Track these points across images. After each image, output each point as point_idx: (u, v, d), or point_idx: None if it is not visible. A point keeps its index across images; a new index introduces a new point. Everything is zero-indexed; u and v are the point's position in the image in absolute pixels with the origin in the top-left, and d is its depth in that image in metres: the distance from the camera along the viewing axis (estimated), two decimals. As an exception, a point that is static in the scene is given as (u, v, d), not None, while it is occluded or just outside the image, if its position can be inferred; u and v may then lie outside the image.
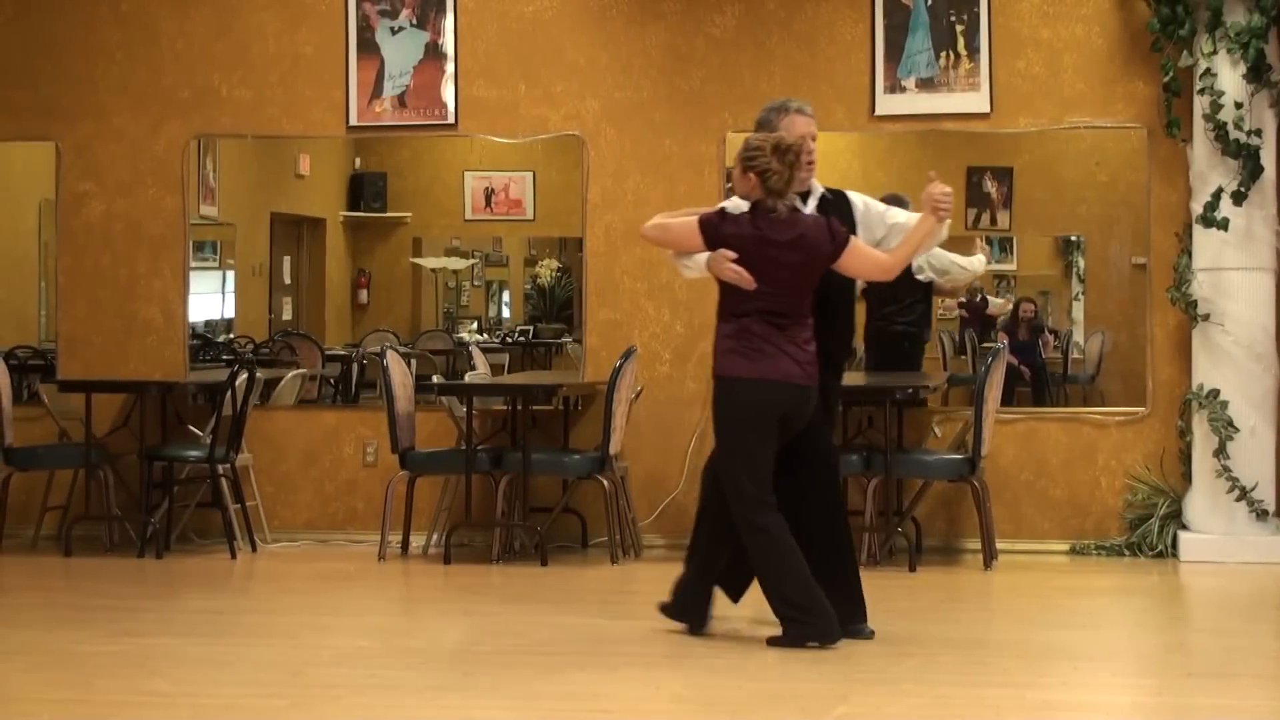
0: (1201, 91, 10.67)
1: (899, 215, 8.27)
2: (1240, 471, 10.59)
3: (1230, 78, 10.61)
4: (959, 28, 11.35)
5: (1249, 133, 10.56)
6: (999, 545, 10.83)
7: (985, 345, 12.64)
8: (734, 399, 7.86)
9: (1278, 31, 10.68)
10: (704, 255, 7.90)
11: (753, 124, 8.24)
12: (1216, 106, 10.58)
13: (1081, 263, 13.08)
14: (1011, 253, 13.29)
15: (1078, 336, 13.17)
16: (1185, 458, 10.95)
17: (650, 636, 8.17)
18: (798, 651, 7.74)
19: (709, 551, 8.17)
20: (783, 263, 7.81)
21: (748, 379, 7.80)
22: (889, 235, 8.17)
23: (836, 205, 8.15)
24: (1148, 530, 10.90)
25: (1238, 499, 10.58)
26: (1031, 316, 12.92)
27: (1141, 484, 11.04)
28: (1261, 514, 10.63)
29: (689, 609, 8.19)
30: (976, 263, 11.93)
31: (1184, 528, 10.84)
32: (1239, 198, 10.56)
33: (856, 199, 8.27)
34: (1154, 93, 11.01)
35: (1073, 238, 12.99)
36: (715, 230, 7.88)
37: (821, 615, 7.77)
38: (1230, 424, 10.57)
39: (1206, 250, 10.75)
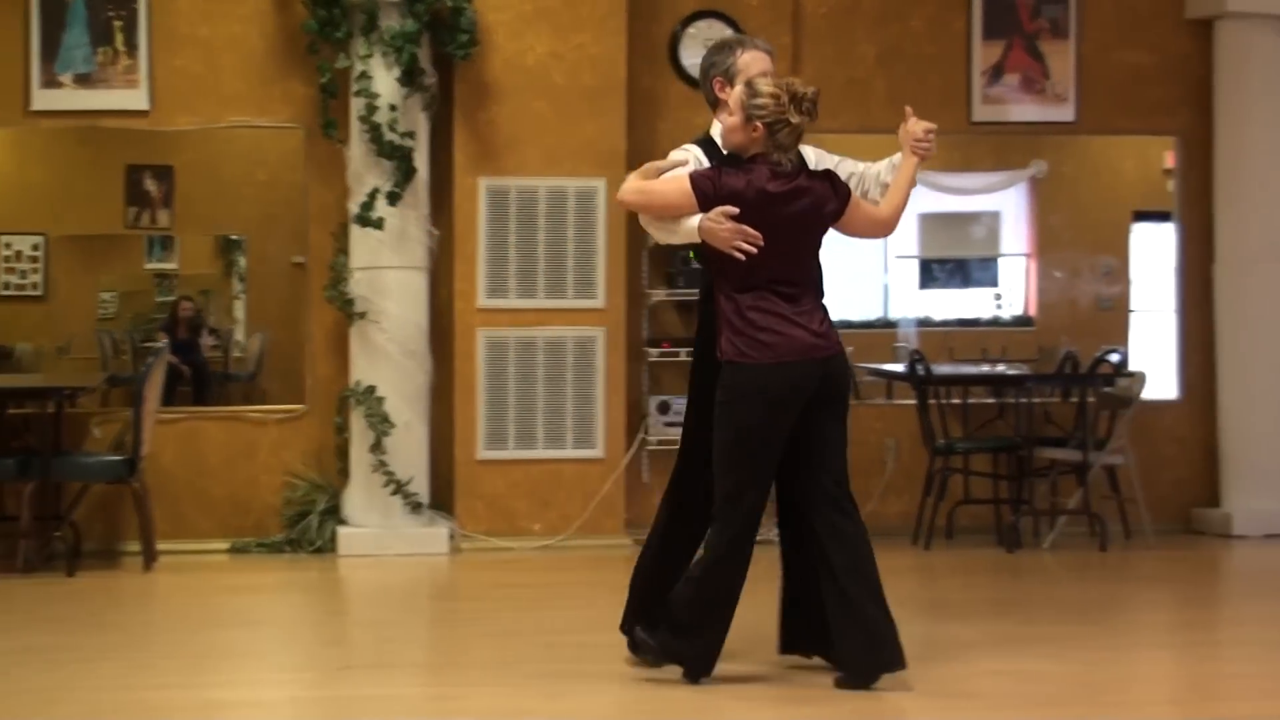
0: (358, 93, 10.89)
1: (855, 164, 7.39)
2: (396, 466, 10.89)
3: (385, 81, 10.88)
4: (117, 24, 11.19)
5: (403, 134, 10.87)
6: (160, 546, 10.74)
7: (145, 344, 12.51)
8: (752, 387, 6.89)
9: (430, 37, 11.04)
10: (694, 218, 6.93)
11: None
12: (372, 109, 10.82)
13: (242, 262, 13.12)
14: (173, 252, 13.18)
15: (239, 335, 13.22)
16: (343, 454, 11.16)
17: None
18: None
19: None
20: (789, 223, 6.92)
21: (769, 364, 6.87)
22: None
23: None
24: (307, 526, 11.05)
25: (393, 493, 10.87)
26: (191, 315, 12.87)
27: (300, 481, 11.19)
28: (416, 506, 10.97)
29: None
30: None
31: (343, 522, 11.05)
32: (393, 198, 10.85)
33: (808, 151, 7.25)
34: (312, 93, 11.17)
35: (233, 237, 13.02)
36: (713, 187, 6.92)
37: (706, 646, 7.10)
38: (386, 419, 10.86)
39: (363, 250, 10.99)
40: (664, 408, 11.46)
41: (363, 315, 10.96)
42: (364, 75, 10.88)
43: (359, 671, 7.67)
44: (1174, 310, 12.50)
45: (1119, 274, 13.44)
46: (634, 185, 7.08)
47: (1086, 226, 13.58)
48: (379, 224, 10.85)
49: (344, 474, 11.14)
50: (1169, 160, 12.78)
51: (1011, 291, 13.95)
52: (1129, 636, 8.45)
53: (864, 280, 13.01)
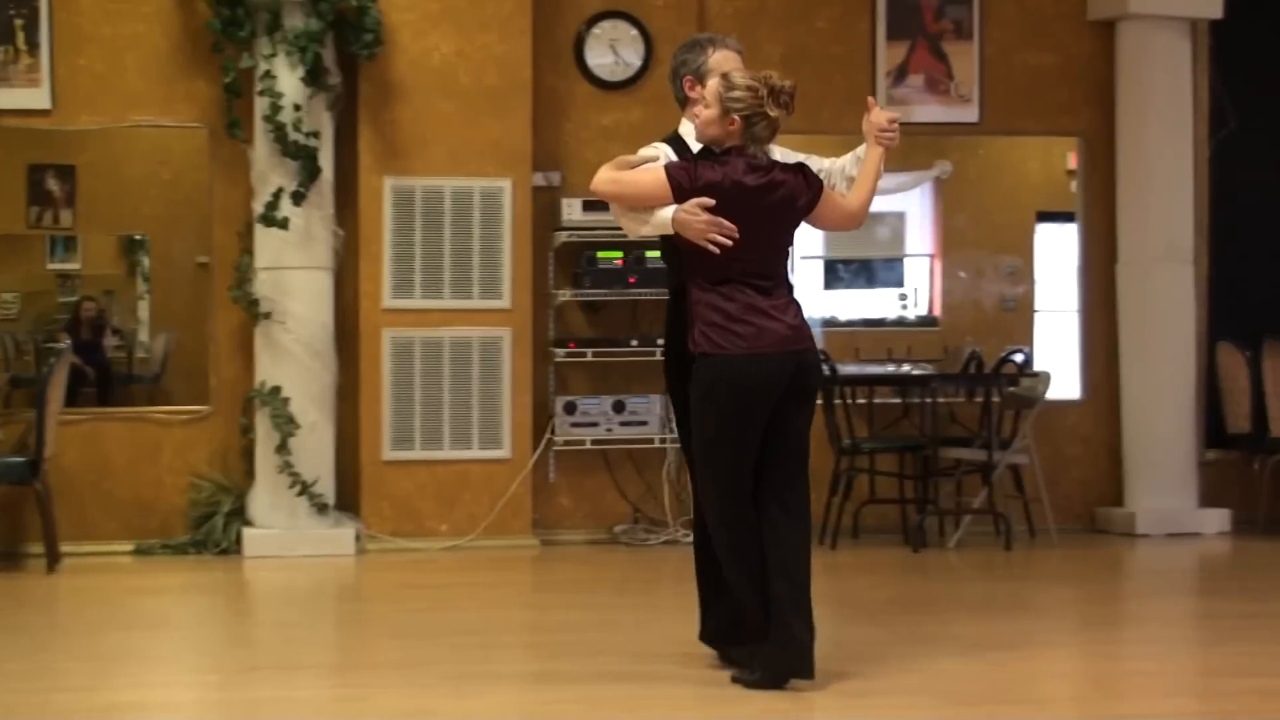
0: (262, 93, 10.84)
1: (820, 161, 7.31)
2: (302, 467, 10.84)
3: (289, 80, 10.83)
4: (19, 22, 11.09)
5: (307, 134, 10.82)
6: (64, 548, 10.64)
7: (48, 345, 12.39)
8: (724, 379, 6.78)
9: (335, 36, 10.99)
10: (667, 210, 6.84)
11: None
12: (276, 108, 10.77)
13: (146, 262, 13.01)
14: (76, 252, 13.06)
15: (143, 336, 13.11)
16: (248, 455, 11.10)
17: None
18: None
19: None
20: (764, 216, 6.84)
21: (743, 355, 6.77)
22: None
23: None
24: (212, 528, 10.99)
25: (299, 494, 10.83)
26: (94, 315, 12.75)
27: (205, 482, 11.13)
28: (322, 507, 10.92)
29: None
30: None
31: (248, 524, 10.99)
32: (298, 198, 10.81)
33: (773, 149, 7.14)
34: (216, 93, 11.10)
35: (137, 236, 12.91)
36: (689, 179, 6.84)
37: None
38: (292, 420, 10.81)
39: (268, 249, 10.94)
40: (570, 408, 11.45)
41: (267, 315, 10.90)
42: (268, 75, 10.83)
43: (265, 673, 7.62)
44: (1077, 310, 12.61)
45: (1023, 274, 13.53)
46: (608, 175, 6.99)
47: (991, 227, 13.66)
48: (284, 224, 10.80)
49: (249, 475, 11.08)
50: (1072, 161, 12.88)
51: (916, 292, 14.01)
52: (1034, 635, 8.50)
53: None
